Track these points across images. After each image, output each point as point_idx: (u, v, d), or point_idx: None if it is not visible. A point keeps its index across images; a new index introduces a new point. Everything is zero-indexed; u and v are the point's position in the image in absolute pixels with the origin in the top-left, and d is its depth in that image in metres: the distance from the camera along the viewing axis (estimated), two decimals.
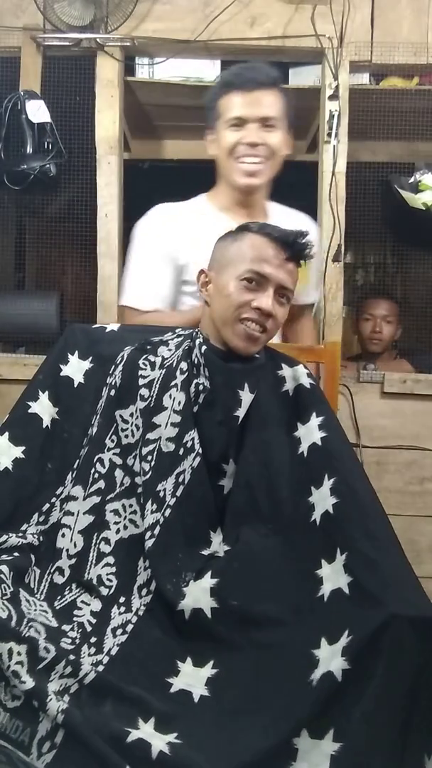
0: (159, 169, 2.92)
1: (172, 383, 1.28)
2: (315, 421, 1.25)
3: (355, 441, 2.07)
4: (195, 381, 1.26)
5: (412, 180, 2.22)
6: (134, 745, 0.91)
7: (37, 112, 2.09)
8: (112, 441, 1.29)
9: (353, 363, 2.50)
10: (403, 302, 2.54)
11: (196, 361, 1.28)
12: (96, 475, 1.27)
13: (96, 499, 1.25)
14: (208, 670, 1.05)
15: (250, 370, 1.28)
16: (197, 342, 1.30)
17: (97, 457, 1.28)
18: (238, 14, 2.12)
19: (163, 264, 1.59)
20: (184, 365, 1.29)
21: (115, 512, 1.24)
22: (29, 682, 0.98)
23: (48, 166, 2.08)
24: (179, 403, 1.26)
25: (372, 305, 2.51)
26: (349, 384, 2.11)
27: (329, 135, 2.10)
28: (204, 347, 1.28)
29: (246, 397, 1.25)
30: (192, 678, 1.04)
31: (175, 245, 1.58)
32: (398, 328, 2.51)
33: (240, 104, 1.51)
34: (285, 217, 1.63)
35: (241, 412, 1.24)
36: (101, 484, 1.26)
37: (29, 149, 2.09)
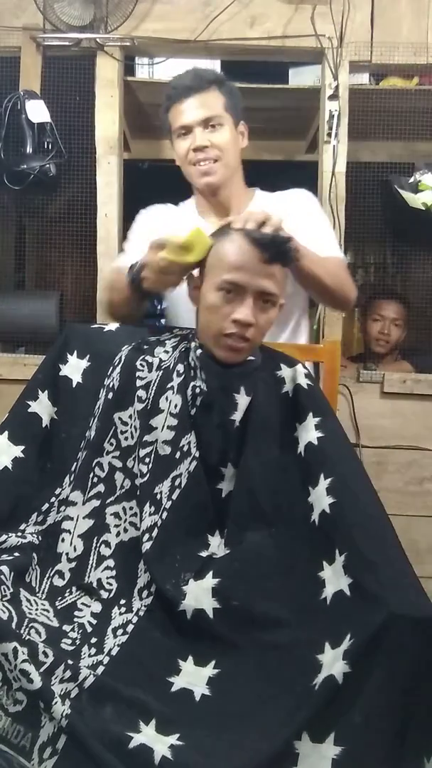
0: (159, 169, 2.91)
1: (169, 386, 1.27)
2: (312, 421, 1.24)
3: (355, 441, 2.07)
4: (192, 384, 1.26)
5: (412, 180, 2.22)
6: (137, 751, 0.90)
7: (37, 112, 2.09)
8: (111, 444, 1.28)
9: (353, 363, 2.50)
10: (403, 302, 2.54)
11: (192, 364, 1.27)
12: (95, 479, 1.26)
13: (96, 503, 1.25)
14: (209, 670, 1.04)
15: (246, 373, 1.26)
16: (193, 345, 1.29)
17: (95, 461, 1.27)
18: (238, 14, 2.12)
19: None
20: (180, 367, 1.28)
21: (116, 515, 1.24)
22: (37, 682, 0.96)
23: (48, 166, 2.08)
24: (176, 406, 1.25)
25: (383, 306, 2.49)
26: (349, 384, 2.11)
27: (329, 135, 2.10)
28: (199, 350, 1.26)
29: (242, 400, 1.24)
30: (193, 677, 1.03)
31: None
32: (404, 332, 2.51)
33: (181, 113, 1.59)
34: (267, 202, 1.64)
35: (237, 416, 1.23)
36: (101, 487, 1.25)
37: (29, 149, 2.09)
